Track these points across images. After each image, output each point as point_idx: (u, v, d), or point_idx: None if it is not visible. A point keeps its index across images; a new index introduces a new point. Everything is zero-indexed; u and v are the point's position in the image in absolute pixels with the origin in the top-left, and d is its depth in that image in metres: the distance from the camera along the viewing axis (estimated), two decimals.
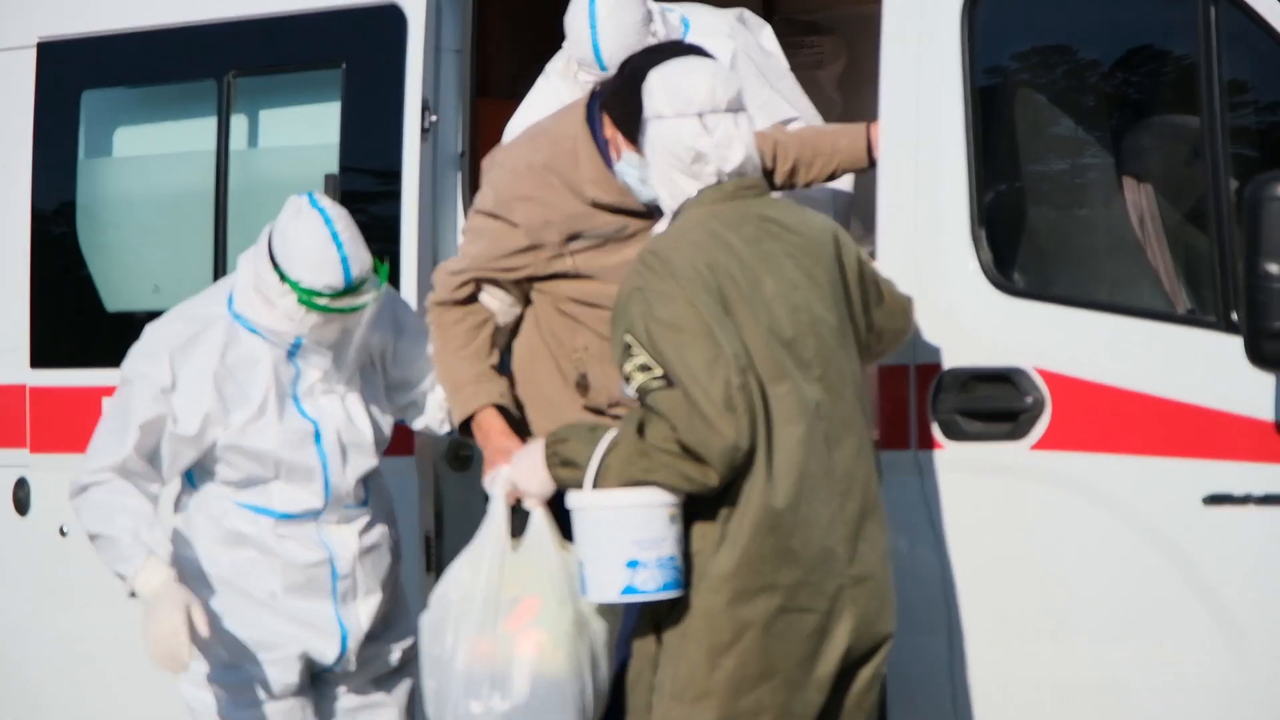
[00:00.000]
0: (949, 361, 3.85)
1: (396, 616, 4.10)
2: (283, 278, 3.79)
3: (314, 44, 4.67)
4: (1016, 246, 3.94)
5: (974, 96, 3.84)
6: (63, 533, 4.91)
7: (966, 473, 3.84)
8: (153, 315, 4.19)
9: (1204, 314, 3.73)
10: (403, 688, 4.09)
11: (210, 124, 4.82)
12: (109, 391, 4.11)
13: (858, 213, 4.25)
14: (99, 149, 5.14)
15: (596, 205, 3.83)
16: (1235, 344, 3.58)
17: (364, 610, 4.06)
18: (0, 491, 5.09)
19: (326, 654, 4.05)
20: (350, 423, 4.00)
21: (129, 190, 5.13)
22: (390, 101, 4.44)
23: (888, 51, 3.95)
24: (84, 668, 4.98)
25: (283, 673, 4.00)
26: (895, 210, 3.93)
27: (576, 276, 3.92)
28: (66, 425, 4.90)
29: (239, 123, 4.85)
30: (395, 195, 4.41)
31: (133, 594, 3.88)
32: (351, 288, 3.76)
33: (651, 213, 3.74)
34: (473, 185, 4.28)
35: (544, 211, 3.83)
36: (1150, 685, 3.74)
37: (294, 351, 3.92)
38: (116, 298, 5.04)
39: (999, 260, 3.85)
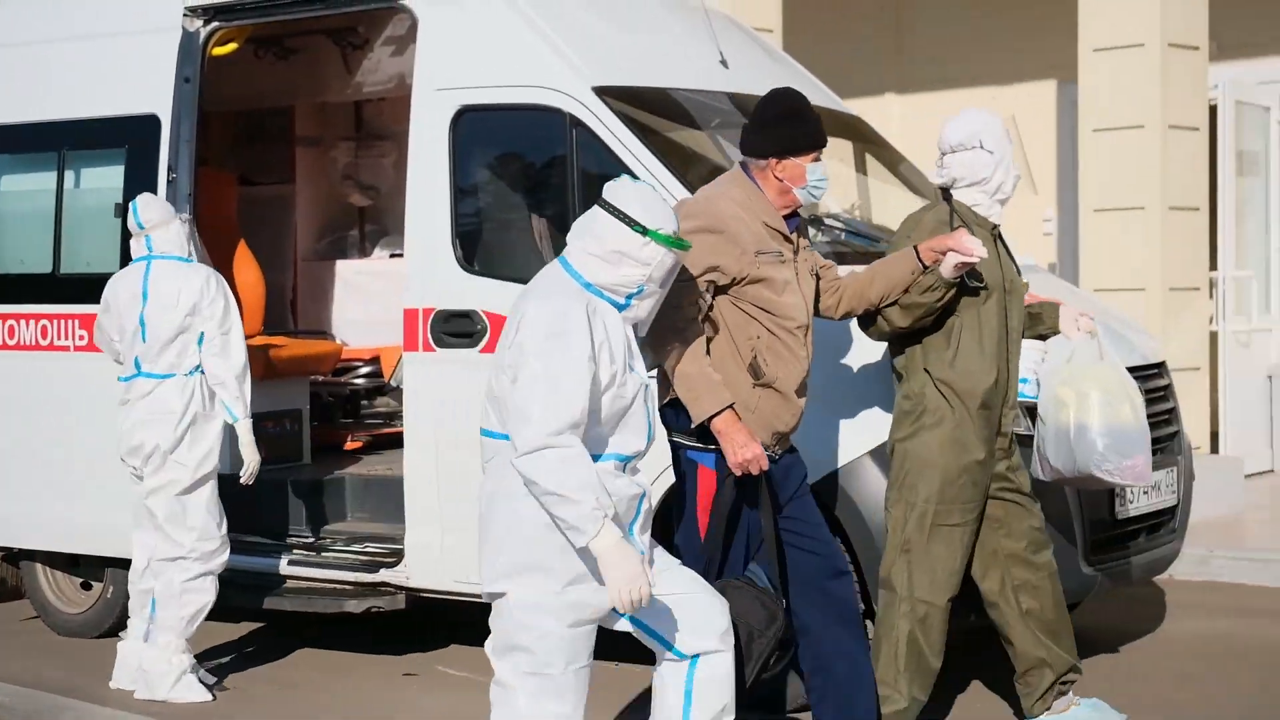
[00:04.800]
0: (440, 305, 6.94)
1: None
2: (644, 231, 4.50)
3: (110, 134, 7.90)
4: (474, 251, 6.96)
5: (454, 170, 6.94)
6: None
7: (448, 364, 6.89)
8: (20, 278, 7.60)
9: None
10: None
11: (53, 175, 8.13)
12: None
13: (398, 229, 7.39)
14: None
15: (768, 227, 5.27)
16: None
17: (645, 537, 4.60)
18: None
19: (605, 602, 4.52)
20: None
21: (9, 207, 8.42)
22: (151, 164, 7.69)
23: (414, 144, 7.04)
24: None
25: (596, 595, 4.50)
26: (416, 231, 7.02)
27: (758, 281, 5.18)
28: None
29: (69, 175, 8.13)
30: None
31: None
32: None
33: (792, 238, 5.30)
34: (194, 214, 7.46)
35: (745, 230, 5.18)
36: None
37: (623, 308, 4.58)
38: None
39: (466, 257, 6.93)
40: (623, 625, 4.71)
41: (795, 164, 5.28)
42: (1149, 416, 6.36)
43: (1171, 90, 10.08)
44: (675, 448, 5.31)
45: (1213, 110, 11.41)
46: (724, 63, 7.47)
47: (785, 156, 5.26)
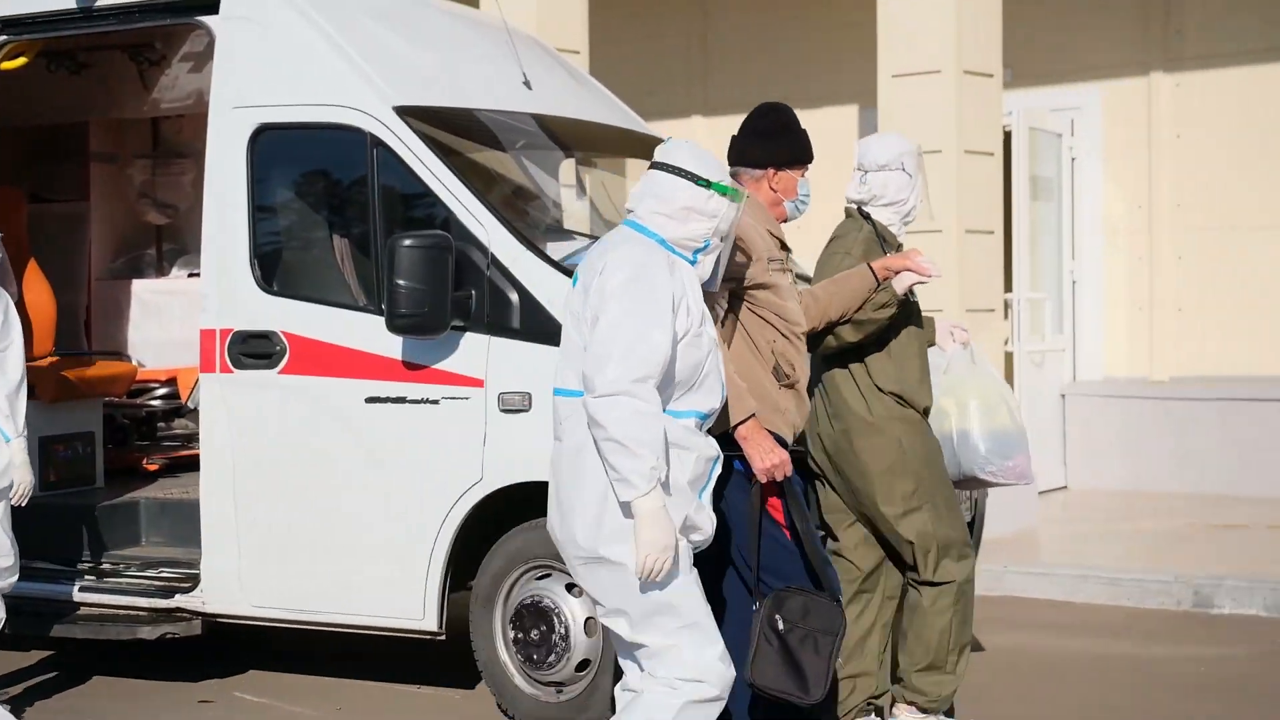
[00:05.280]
0: (238, 326, 6.83)
1: None
2: (708, 184, 4.63)
3: None
4: (273, 272, 6.88)
5: (252, 189, 6.84)
6: None
7: (246, 386, 6.79)
8: None
9: (371, 305, 6.57)
10: None
11: None
12: None
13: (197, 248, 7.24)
14: None
15: (772, 235, 5.38)
16: (382, 321, 6.39)
17: (708, 494, 4.69)
18: None
19: (709, 534, 4.66)
20: None
21: None
22: None
23: (211, 162, 6.94)
24: None
25: (700, 532, 4.65)
26: (213, 251, 6.91)
27: (769, 287, 5.28)
28: None
29: None
30: None
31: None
32: None
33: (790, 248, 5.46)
34: None
35: (758, 238, 5.27)
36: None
37: (691, 264, 4.69)
38: None
39: (265, 277, 6.83)
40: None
41: (789, 176, 5.44)
42: None
43: (967, 116, 10.30)
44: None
45: (1007, 136, 11.70)
46: (527, 84, 7.47)
47: (783, 168, 5.39)
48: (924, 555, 5.94)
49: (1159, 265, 12.51)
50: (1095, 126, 12.56)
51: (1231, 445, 11.64)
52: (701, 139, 14.02)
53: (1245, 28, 12.02)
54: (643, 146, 8.09)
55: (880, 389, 5.90)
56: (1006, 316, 11.78)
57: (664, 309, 4.48)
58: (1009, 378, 11.71)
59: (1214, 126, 12.26)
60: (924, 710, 6.05)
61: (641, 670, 4.62)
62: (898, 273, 5.75)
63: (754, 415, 5.07)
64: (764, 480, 5.09)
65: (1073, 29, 12.64)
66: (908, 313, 5.96)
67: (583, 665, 6.38)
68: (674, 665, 4.56)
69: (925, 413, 6.01)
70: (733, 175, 5.43)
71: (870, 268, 5.77)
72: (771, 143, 5.43)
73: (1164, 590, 8.76)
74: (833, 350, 5.88)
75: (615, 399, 4.38)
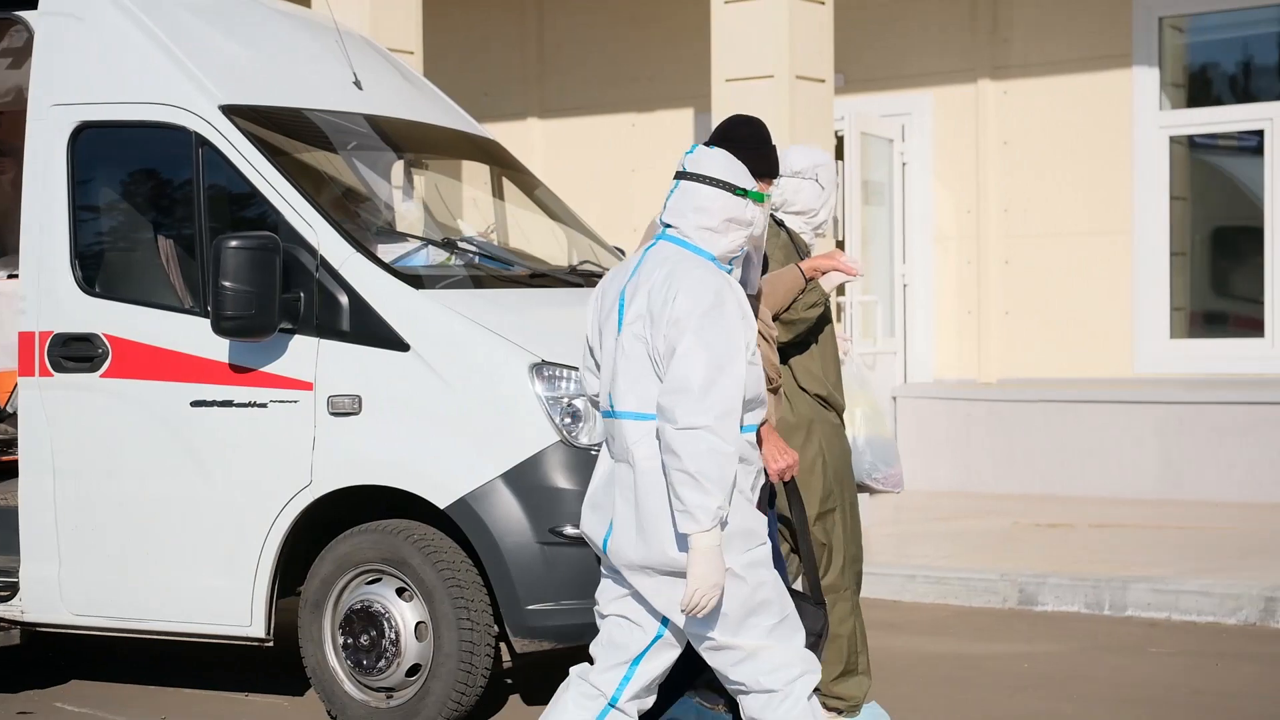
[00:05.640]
0: (58, 328, 6.70)
1: None
2: (745, 193, 4.70)
3: None
4: (95, 273, 6.76)
5: (73, 189, 6.72)
6: None
7: (67, 389, 6.66)
8: None
9: (197, 307, 6.48)
10: None
11: None
12: None
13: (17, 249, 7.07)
14: None
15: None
16: (207, 323, 6.33)
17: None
18: None
19: (764, 539, 4.74)
20: None
21: None
22: None
23: (30, 161, 6.79)
24: None
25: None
26: (32, 251, 6.77)
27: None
28: None
29: None
30: None
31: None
32: None
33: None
34: None
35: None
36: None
37: (728, 272, 4.75)
38: None
39: (86, 279, 6.71)
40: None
41: (763, 186, 5.37)
42: None
43: (799, 121, 10.41)
44: None
45: (840, 141, 11.84)
46: (358, 84, 7.40)
47: (761, 179, 5.35)
48: (830, 558, 6.05)
49: (987, 269, 12.75)
50: (926, 132, 12.77)
51: (1057, 446, 11.89)
52: (537, 141, 14.02)
53: (1070, 36, 12.29)
54: (476, 148, 8.06)
55: (804, 389, 6.00)
56: (839, 319, 11.92)
57: (739, 337, 4.54)
58: None
59: (1041, 133, 12.53)
60: (845, 714, 6.14)
61: (746, 691, 4.70)
62: (825, 272, 5.88)
63: (767, 419, 5.17)
64: (775, 480, 5.20)
65: (904, 36, 12.84)
66: (826, 315, 6.11)
67: (413, 670, 6.33)
68: (772, 667, 4.68)
69: (842, 414, 6.16)
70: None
71: (799, 268, 5.89)
72: (751, 153, 5.38)
73: (990, 588, 8.92)
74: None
75: (697, 433, 4.41)
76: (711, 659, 4.76)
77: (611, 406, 4.71)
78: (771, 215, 6.08)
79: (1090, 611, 8.64)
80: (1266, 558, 9.35)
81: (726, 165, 4.74)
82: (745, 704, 4.75)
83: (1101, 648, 7.86)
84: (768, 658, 4.67)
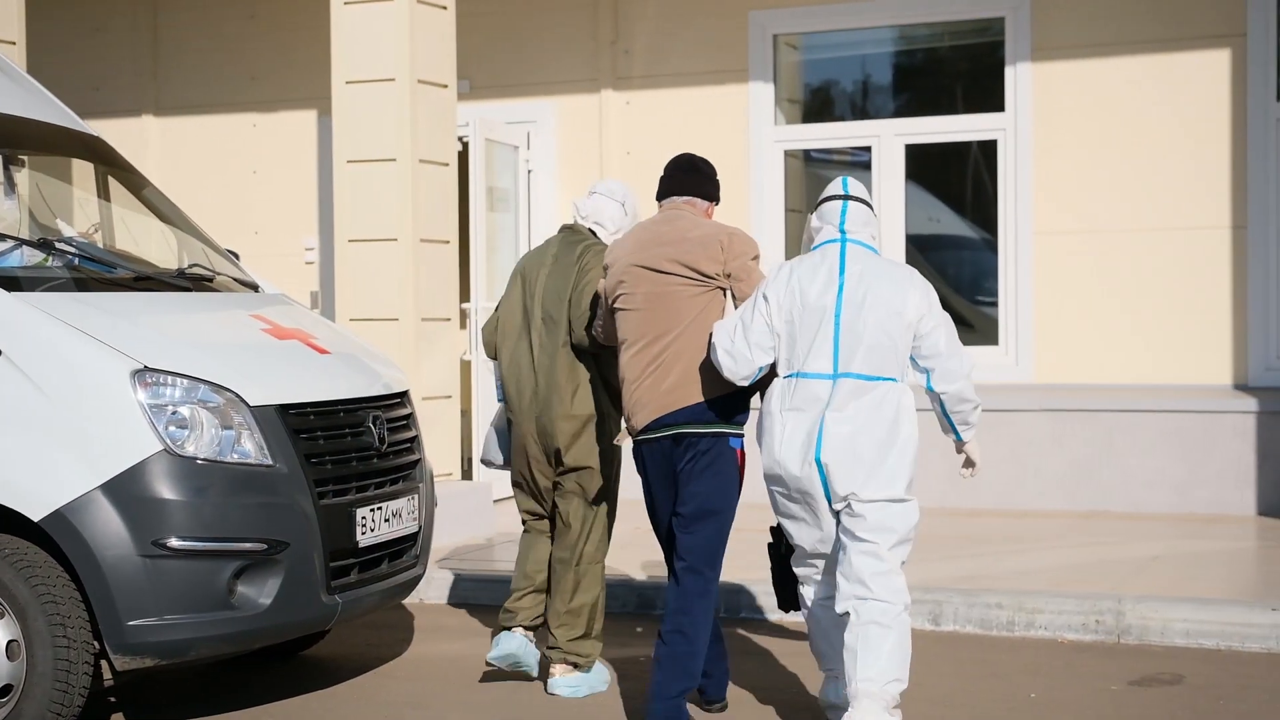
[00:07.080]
0: None
1: None
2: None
3: None
4: None
5: None
6: None
7: None
8: None
9: None
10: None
11: None
12: None
13: None
14: None
15: None
16: None
17: None
18: None
19: None
20: None
21: None
22: None
23: None
24: None
25: None
26: None
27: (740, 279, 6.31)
28: None
29: None
30: None
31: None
32: None
33: None
34: None
35: None
36: None
37: None
38: None
39: None
40: None
41: (711, 209, 6.59)
42: (391, 446, 6.61)
43: (421, 126, 10.35)
44: (706, 437, 6.14)
45: (466, 147, 11.82)
46: None
47: (716, 203, 6.56)
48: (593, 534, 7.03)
49: None
50: (550, 140, 12.84)
51: None
52: (153, 140, 13.57)
53: (690, 50, 12.54)
54: (81, 146, 7.74)
55: (608, 384, 6.85)
56: (463, 326, 11.89)
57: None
58: (465, 387, 11.82)
59: (663, 145, 12.68)
60: (580, 669, 7.03)
61: (869, 589, 5.86)
62: None
63: None
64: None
65: (528, 44, 12.89)
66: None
67: (4, 691, 6.02)
68: (899, 586, 5.92)
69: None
70: (687, 203, 6.45)
71: None
72: (715, 184, 6.57)
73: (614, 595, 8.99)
74: (588, 350, 6.84)
75: (968, 379, 6.08)
76: (854, 576, 5.92)
77: (835, 370, 5.96)
78: (588, 226, 7.09)
79: None
80: None
81: (859, 186, 6.21)
82: (861, 604, 5.87)
83: None
84: (900, 580, 5.92)
